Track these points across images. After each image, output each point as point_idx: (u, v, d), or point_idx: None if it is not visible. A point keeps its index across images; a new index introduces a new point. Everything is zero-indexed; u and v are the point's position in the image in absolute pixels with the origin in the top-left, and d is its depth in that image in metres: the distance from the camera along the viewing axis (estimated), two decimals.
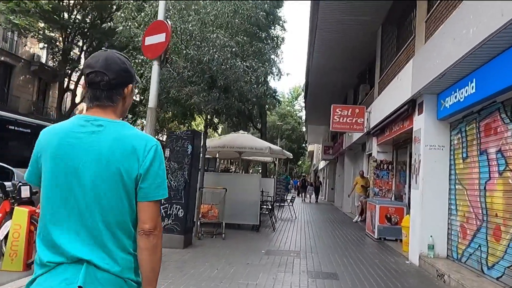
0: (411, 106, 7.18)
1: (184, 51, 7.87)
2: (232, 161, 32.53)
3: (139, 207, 1.38)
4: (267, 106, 26.84)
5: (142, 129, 8.44)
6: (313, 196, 27.98)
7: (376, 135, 10.79)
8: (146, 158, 1.37)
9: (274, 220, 12.08)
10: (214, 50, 7.90)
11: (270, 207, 11.58)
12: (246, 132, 12.88)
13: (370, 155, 13.48)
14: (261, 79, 9.38)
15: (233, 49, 8.41)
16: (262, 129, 27.14)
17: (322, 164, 37.66)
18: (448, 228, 6.41)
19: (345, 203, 18.25)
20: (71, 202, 1.32)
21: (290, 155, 12.90)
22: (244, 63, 8.64)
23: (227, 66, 8.16)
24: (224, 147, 10.92)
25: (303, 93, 46.94)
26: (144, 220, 1.36)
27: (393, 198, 10.51)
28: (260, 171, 29.95)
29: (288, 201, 14.70)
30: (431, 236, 6.39)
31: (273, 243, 8.46)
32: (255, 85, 9.44)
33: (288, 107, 53.86)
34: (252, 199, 10.08)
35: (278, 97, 22.48)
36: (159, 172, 1.39)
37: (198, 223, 8.47)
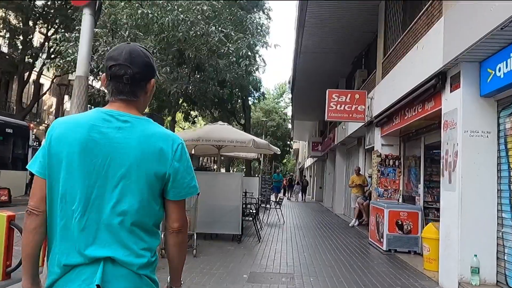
0: (439, 81, 5.44)
1: (139, 11, 5.95)
2: (215, 159, 30.56)
3: (169, 206, 1.39)
4: (251, 97, 25.08)
5: None
6: (300, 194, 27.59)
7: (380, 126, 9.08)
8: (174, 158, 1.35)
9: (259, 226, 10.26)
10: (180, 10, 6.00)
11: (254, 211, 9.76)
12: (226, 123, 10.99)
13: (369, 149, 11.79)
14: (242, 51, 7.52)
15: (206, 13, 6.53)
16: (245, 125, 25.34)
17: (308, 162, 36.10)
18: (499, 245, 4.70)
19: (337, 204, 16.58)
20: (93, 200, 1.28)
21: (278, 150, 11.09)
22: (220, 31, 6.78)
23: (198, 33, 6.28)
24: (199, 140, 9.00)
25: (288, 89, 45.45)
26: (174, 219, 1.40)
27: (400, 200, 8.82)
28: (244, 169, 28.04)
29: (275, 203, 12.91)
30: (475, 256, 4.67)
31: (259, 260, 6.63)
32: (235, 60, 7.61)
33: (273, 104, 52.16)
34: (232, 203, 8.24)
35: (262, 86, 20.44)
36: (187, 170, 1.39)
37: (162, 235, 6.57)
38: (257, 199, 13.01)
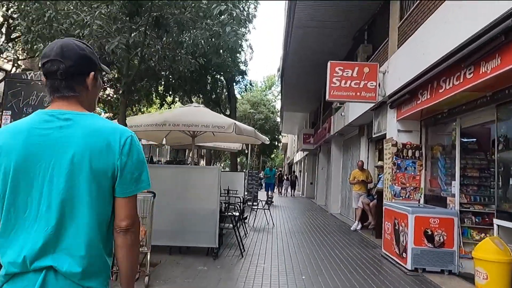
0: None
1: None
2: (203, 153, 28.24)
3: (117, 204, 1.30)
4: (236, 86, 23.01)
5: None
6: (289, 190, 27.53)
7: (396, 107, 7.17)
8: (122, 151, 1.27)
9: (244, 232, 8.29)
10: None
11: (237, 214, 7.77)
12: (202, 105, 8.96)
13: (376, 139, 9.90)
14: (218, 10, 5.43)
15: None
16: (231, 116, 23.31)
17: (298, 156, 34.28)
18: None
19: (332, 202, 14.71)
20: (38, 205, 1.21)
21: (266, 139, 9.15)
22: None
23: None
24: (165, 124, 6.94)
25: (278, 82, 43.47)
26: (121, 217, 1.29)
27: (422, 200, 6.94)
28: (229, 164, 25.96)
29: (263, 203, 10.93)
30: None
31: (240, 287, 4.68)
32: (209, 14, 5.57)
33: (261, 96, 50.12)
34: (207, 205, 6.24)
35: (248, 69, 18.33)
36: (137, 164, 1.31)
37: None
38: (242, 198, 11.03)
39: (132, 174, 1.29)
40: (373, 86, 7.39)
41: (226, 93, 23.11)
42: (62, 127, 1.24)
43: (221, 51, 13.79)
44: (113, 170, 1.26)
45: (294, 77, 17.35)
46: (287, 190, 27.38)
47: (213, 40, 5.85)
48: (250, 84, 26.86)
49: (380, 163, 9.08)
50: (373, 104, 8.00)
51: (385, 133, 7.87)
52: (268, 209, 10.65)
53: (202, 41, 6.64)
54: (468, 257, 5.73)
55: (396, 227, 6.22)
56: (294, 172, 35.65)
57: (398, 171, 7.05)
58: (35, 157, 1.21)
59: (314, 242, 8.19)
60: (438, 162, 6.67)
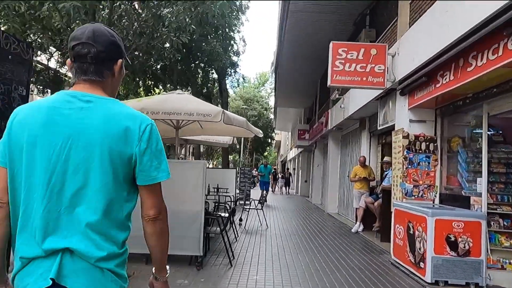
0: None
1: None
2: (194, 150, 27.15)
3: (141, 193, 1.32)
4: (228, 79, 21.99)
5: None
6: (284, 188, 27.21)
7: (408, 93, 6.28)
8: (141, 138, 1.26)
9: (234, 236, 7.37)
10: None
11: (226, 216, 6.85)
12: (186, 92, 8.01)
13: (380, 132, 9.03)
14: None
15: None
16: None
17: (292, 154, 33.41)
18: None
19: (329, 201, 13.84)
20: (53, 186, 1.20)
21: (259, 132, 8.20)
22: None
23: None
24: (142, 112, 5.98)
25: (271, 77, 42.48)
26: (148, 206, 1.31)
27: (437, 200, 6.08)
28: (221, 161, 24.96)
29: (256, 202, 10.01)
30: None
31: None
32: None
33: (254, 92, 49.15)
34: (190, 207, 5.32)
35: (239, 59, 17.36)
36: (156, 152, 1.30)
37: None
38: (233, 196, 10.12)
39: (152, 161, 1.27)
40: (381, 70, 6.50)
41: (218, 87, 22.18)
42: (83, 109, 1.23)
43: (209, 37, 12.86)
44: (131, 156, 1.24)
45: (289, 70, 16.46)
46: (281, 188, 27.09)
47: (198, 9, 4.89)
48: (243, 78, 25.92)
49: (387, 158, 8.21)
50: (380, 92, 7.11)
51: (393, 125, 6.99)
52: (261, 208, 9.73)
53: (186, 17, 5.73)
54: (497, 267, 4.88)
55: (411, 231, 5.34)
56: (288, 169, 34.83)
57: (409, 166, 6.17)
58: (53, 135, 1.20)
59: (313, 246, 7.30)
60: (457, 156, 5.79)
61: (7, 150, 1.24)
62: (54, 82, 12.36)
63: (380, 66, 6.48)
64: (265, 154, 64.93)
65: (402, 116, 6.50)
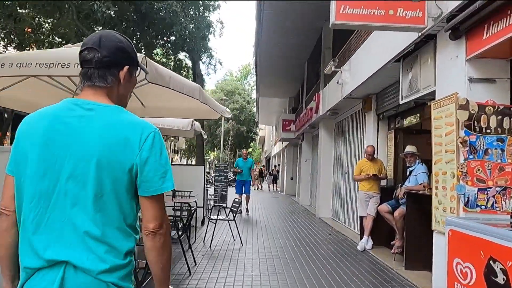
0: None
1: None
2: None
3: (141, 203, 1.25)
4: (203, 62, 19.31)
5: None
6: (271, 185, 26.52)
7: (467, 33, 3.75)
8: (142, 147, 1.21)
9: (193, 257, 4.70)
10: None
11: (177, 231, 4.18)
12: None
13: (393, 116, 6.55)
14: None
15: None
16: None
17: (276, 149, 30.90)
18: None
19: (321, 203, 11.34)
20: (54, 197, 1.18)
21: (226, 111, 5.59)
22: None
23: None
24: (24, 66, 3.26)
25: (252, 71, 39.79)
26: (148, 219, 1.24)
27: None
28: (194, 156, 22.18)
29: (227, 211, 7.38)
30: None
31: None
32: None
33: (236, 85, 46.39)
34: None
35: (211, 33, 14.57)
36: (160, 161, 1.24)
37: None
38: (196, 202, 7.39)
39: (155, 171, 1.22)
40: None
41: (192, 72, 19.47)
42: (83, 117, 1.21)
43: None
44: (131, 165, 1.20)
45: (271, 52, 13.97)
46: (269, 186, 26.23)
47: None
48: (220, 64, 23.29)
49: (410, 148, 5.72)
50: (409, 43, 4.55)
51: (428, 95, 4.48)
52: (234, 219, 7.09)
53: None
54: None
55: (498, 277, 2.82)
56: (276, 166, 32.32)
57: (471, 156, 3.66)
58: (54, 144, 1.19)
59: (304, 275, 4.73)
60: None
61: (14, 158, 1.25)
62: None
63: None
64: (249, 150, 62.46)
65: (452, 74, 3.97)
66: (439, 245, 4.01)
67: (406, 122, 6.72)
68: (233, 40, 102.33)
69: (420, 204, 5.06)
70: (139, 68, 1.40)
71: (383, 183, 7.13)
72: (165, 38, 12.59)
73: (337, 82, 8.40)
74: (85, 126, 1.19)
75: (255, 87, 26.22)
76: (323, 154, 11.47)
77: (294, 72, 16.53)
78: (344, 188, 9.87)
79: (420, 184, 5.24)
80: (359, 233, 7.59)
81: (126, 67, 1.31)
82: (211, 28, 13.46)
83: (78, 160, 1.17)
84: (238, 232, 7.26)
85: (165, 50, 14.49)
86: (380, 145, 7.63)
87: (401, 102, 5.38)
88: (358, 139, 8.81)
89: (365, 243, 6.67)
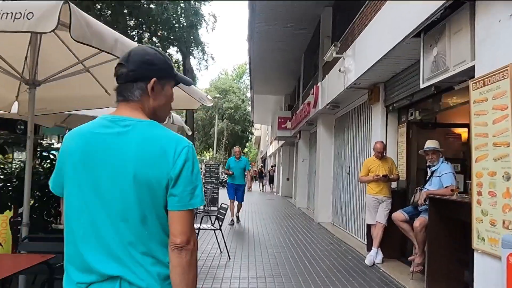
0: None
1: None
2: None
3: (170, 217, 1.21)
4: (193, 56, 18.25)
5: None
6: (267, 186, 26.78)
7: None
8: (176, 161, 1.20)
9: None
10: None
11: None
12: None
13: (403, 107, 5.54)
14: None
15: None
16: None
17: (272, 148, 29.85)
18: None
19: (321, 207, 10.34)
20: (99, 215, 1.19)
21: (205, 96, 4.53)
22: None
23: None
24: None
25: (248, 70, 38.70)
26: (175, 233, 1.19)
27: None
28: None
29: (212, 220, 6.34)
30: None
31: None
32: None
33: (231, 83, 45.37)
34: None
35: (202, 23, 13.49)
36: (191, 177, 1.22)
37: None
38: None
39: (185, 186, 1.21)
40: None
41: (182, 67, 18.45)
42: (120, 134, 1.22)
43: None
44: (167, 179, 1.19)
45: (266, 43, 12.94)
46: (265, 186, 26.33)
47: None
48: (212, 59, 22.24)
49: (431, 143, 4.70)
50: (443, 3, 3.53)
51: (466, 70, 3.48)
52: (220, 229, 6.04)
53: None
54: None
55: None
56: (273, 166, 31.34)
57: None
58: (92, 161, 1.20)
59: None
60: None
61: (59, 178, 1.28)
62: None
63: None
64: (245, 150, 61.41)
65: (501, 41, 2.96)
66: (486, 271, 3.00)
67: (422, 115, 5.73)
68: (229, 40, 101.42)
69: (448, 212, 4.06)
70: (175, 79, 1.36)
71: (394, 185, 6.14)
72: (151, 28, 11.55)
73: (339, 71, 7.38)
74: (122, 142, 1.20)
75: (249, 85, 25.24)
76: (322, 153, 10.46)
77: (290, 66, 15.54)
78: (346, 190, 8.86)
79: (447, 187, 4.23)
80: (365, 242, 6.60)
81: (154, 79, 1.27)
82: (199, 17, 12.44)
83: (117, 176, 1.17)
84: (225, 243, 6.21)
85: (154, 44, 13.47)
86: (389, 141, 6.62)
87: (422, 86, 4.36)
88: (363, 135, 7.81)
89: (374, 256, 5.66)
